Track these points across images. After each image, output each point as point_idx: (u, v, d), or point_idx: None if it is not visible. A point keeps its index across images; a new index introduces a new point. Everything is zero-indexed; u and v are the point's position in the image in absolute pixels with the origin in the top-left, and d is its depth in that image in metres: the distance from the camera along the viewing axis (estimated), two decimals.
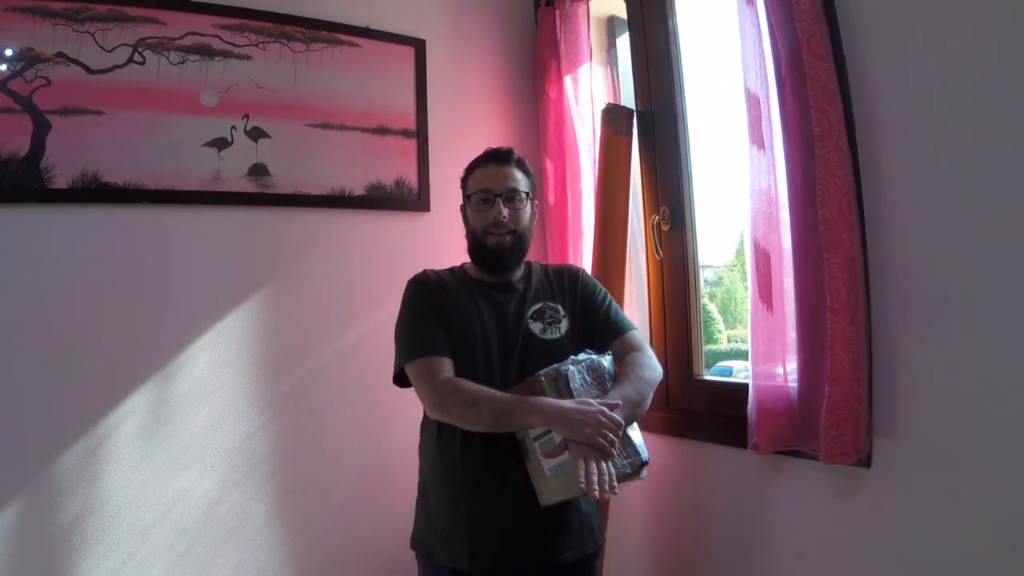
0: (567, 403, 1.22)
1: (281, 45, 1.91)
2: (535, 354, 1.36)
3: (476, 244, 1.43)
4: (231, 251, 1.83)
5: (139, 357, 1.69)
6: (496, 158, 1.45)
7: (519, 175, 1.44)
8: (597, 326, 1.44)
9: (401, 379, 1.38)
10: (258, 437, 1.82)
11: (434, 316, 1.37)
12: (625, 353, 1.39)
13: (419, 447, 1.46)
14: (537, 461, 1.24)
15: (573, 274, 1.51)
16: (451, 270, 1.49)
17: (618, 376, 1.34)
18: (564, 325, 1.41)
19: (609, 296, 1.50)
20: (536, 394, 1.25)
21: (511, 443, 1.28)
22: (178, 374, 1.73)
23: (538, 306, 1.42)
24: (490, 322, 1.38)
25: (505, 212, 1.39)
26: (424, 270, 1.48)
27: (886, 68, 1.29)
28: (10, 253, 1.59)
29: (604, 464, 1.17)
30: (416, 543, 1.41)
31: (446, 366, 1.32)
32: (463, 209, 1.49)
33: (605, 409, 1.21)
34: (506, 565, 1.31)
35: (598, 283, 1.53)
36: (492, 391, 1.28)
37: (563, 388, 1.26)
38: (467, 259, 1.49)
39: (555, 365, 1.31)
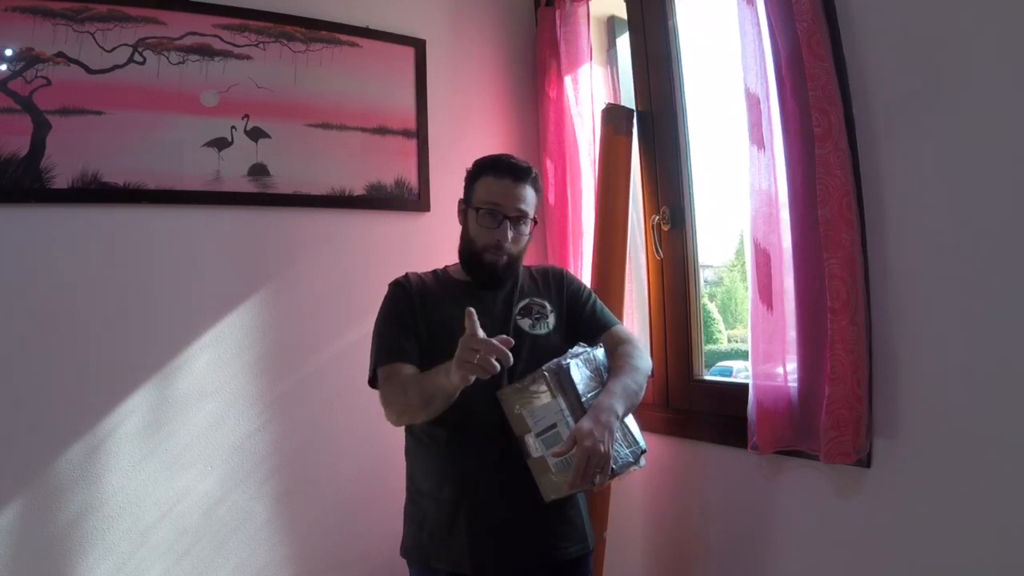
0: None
1: (281, 45, 1.91)
2: (527, 350, 1.36)
3: (472, 255, 1.40)
4: (231, 251, 1.83)
5: (139, 357, 1.69)
6: (514, 173, 1.38)
7: (531, 196, 1.40)
8: (584, 322, 1.46)
9: (375, 381, 1.38)
10: (258, 437, 1.82)
11: (408, 323, 1.36)
12: (615, 346, 1.41)
13: (406, 452, 1.44)
14: (541, 457, 1.24)
15: (557, 273, 1.52)
16: (434, 272, 1.48)
17: (614, 368, 1.36)
18: (551, 320, 1.43)
19: (593, 293, 1.53)
20: (541, 391, 1.25)
21: (507, 441, 1.28)
22: (178, 374, 1.74)
23: (525, 302, 1.43)
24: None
25: (510, 235, 1.37)
26: (406, 273, 1.46)
27: (886, 68, 1.29)
28: (10, 253, 1.59)
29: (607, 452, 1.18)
30: (408, 550, 1.39)
31: (407, 371, 1.32)
32: (463, 211, 1.45)
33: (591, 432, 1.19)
34: (508, 564, 1.31)
35: (581, 281, 1.56)
36: (420, 374, 1.28)
37: (564, 381, 1.27)
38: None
39: (556, 359, 1.31)
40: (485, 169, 1.41)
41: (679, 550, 1.74)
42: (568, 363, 1.30)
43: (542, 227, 2.19)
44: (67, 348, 1.62)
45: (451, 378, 1.16)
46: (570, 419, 1.24)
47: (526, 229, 1.41)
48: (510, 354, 1.11)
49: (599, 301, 1.52)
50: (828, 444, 1.28)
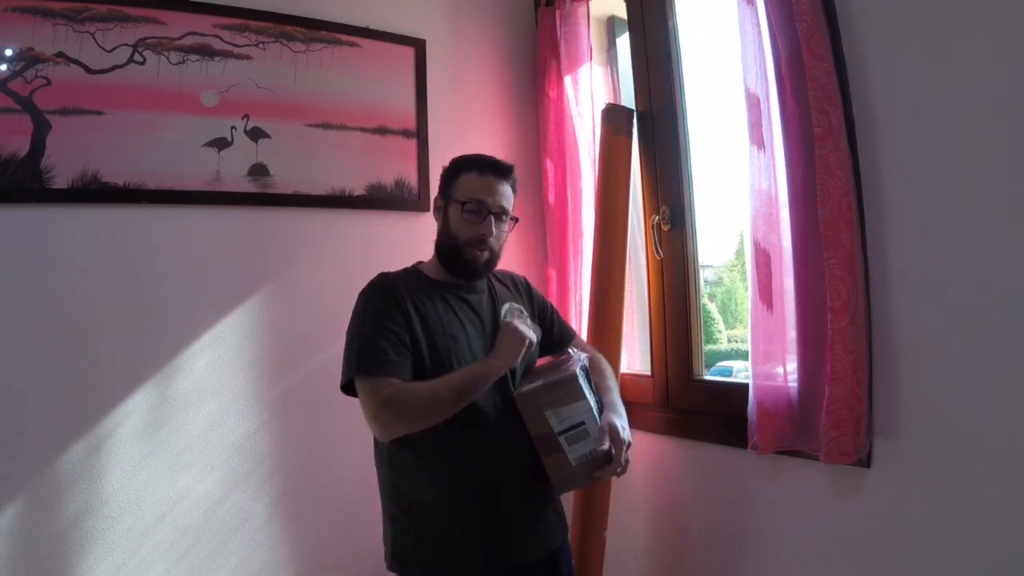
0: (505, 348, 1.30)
1: (281, 45, 1.91)
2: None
3: (452, 250, 1.38)
4: (231, 251, 1.83)
5: (139, 357, 1.69)
6: (497, 170, 1.39)
7: (511, 195, 1.41)
8: (553, 334, 1.53)
9: (350, 387, 1.30)
10: (258, 437, 1.82)
11: (397, 329, 1.28)
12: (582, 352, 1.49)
13: (392, 464, 1.34)
14: (562, 454, 1.28)
15: (523, 282, 1.56)
16: (407, 271, 1.44)
17: (600, 372, 1.47)
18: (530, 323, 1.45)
19: (552, 304, 1.61)
20: (576, 392, 1.28)
21: (517, 441, 1.30)
22: (178, 374, 1.73)
23: (507, 307, 1.45)
24: (470, 325, 1.37)
25: (494, 231, 1.37)
26: (385, 274, 1.39)
27: (886, 68, 1.29)
28: (10, 253, 1.59)
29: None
30: (403, 562, 1.31)
31: (408, 381, 1.27)
32: (440, 207, 1.42)
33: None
34: (520, 562, 1.31)
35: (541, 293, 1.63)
36: (437, 378, 1.26)
37: (588, 382, 1.35)
38: None
39: (572, 362, 1.35)
40: (467, 166, 1.41)
41: (679, 550, 1.74)
42: (585, 365, 1.36)
43: (542, 227, 2.19)
44: (67, 348, 1.62)
45: (506, 359, 1.29)
46: (597, 416, 1.30)
47: (506, 227, 1.42)
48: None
49: (558, 312, 1.61)
50: (828, 444, 1.28)
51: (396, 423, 1.24)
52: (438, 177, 2.03)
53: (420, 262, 1.48)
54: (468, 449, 1.30)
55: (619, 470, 1.28)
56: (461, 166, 1.42)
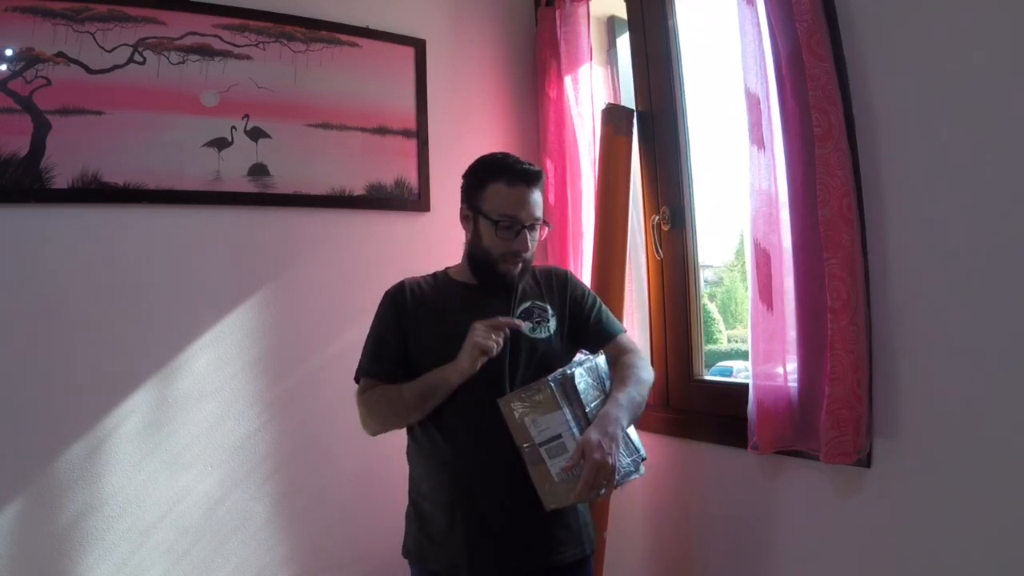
0: (461, 360, 1.27)
1: (281, 45, 1.91)
2: (526, 354, 1.35)
3: (485, 265, 1.37)
4: (231, 251, 1.83)
5: (139, 357, 1.69)
6: (526, 179, 1.34)
7: (541, 198, 1.38)
8: (590, 329, 1.44)
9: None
10: (258, 437, 1.82)
11: (390, 340, 1.37)
12: (619, 355, 1.41)
13: (407, 453, 1.43)
14: (545, 467, 1.22)
15: (561, 276, 1.49)
16: (434, 276, 1.46)
17: (619, 378, 1.35)
18: (552, 324, 1.40)
19: (598, 299, 1.50)
20: (548, 401, 1.23)
21: (507, 448, 1.25)
22: (178, 374, 1.74)
23: (526, 305, 1.40)
24: (466, 326, 1.32)
25: (529, 244, 1.36)
26: (403, 282, 1.44)
27: (886, 68, 1.29)
28: (10, 253, 1.59)
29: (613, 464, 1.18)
30: (409, 551, 1.39)
31: (381, 385, 1.36)
32: (470, 217, 1.39)
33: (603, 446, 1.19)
34: (505, 569, 1.30)
35: (586, 286, 1.53)
36: (412, 382, 1.31)
37: (570, 391, 1.26)
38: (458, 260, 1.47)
39: (560, 369, 1.30)
40: (494, 173, 1.36)
41: (679, 550, 1.74)
42: (573, 372, 1.28)
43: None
44: (67, 348, 1.62)
45: (459, 366, 1.26)
46: (575, 430, 1.23)
47: (539, 234, 1.40)
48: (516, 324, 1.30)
49: (604, 308, 1.49)
50: (828, 444, 1.28)
51: (369, 420, 1.37)
52: (438, 177, 2.05)
53: (450, 267, 1.48)
54: (458, 450, 1.31)
55: (593, 494, 1.17)
56: (488, 173, 1.37)
